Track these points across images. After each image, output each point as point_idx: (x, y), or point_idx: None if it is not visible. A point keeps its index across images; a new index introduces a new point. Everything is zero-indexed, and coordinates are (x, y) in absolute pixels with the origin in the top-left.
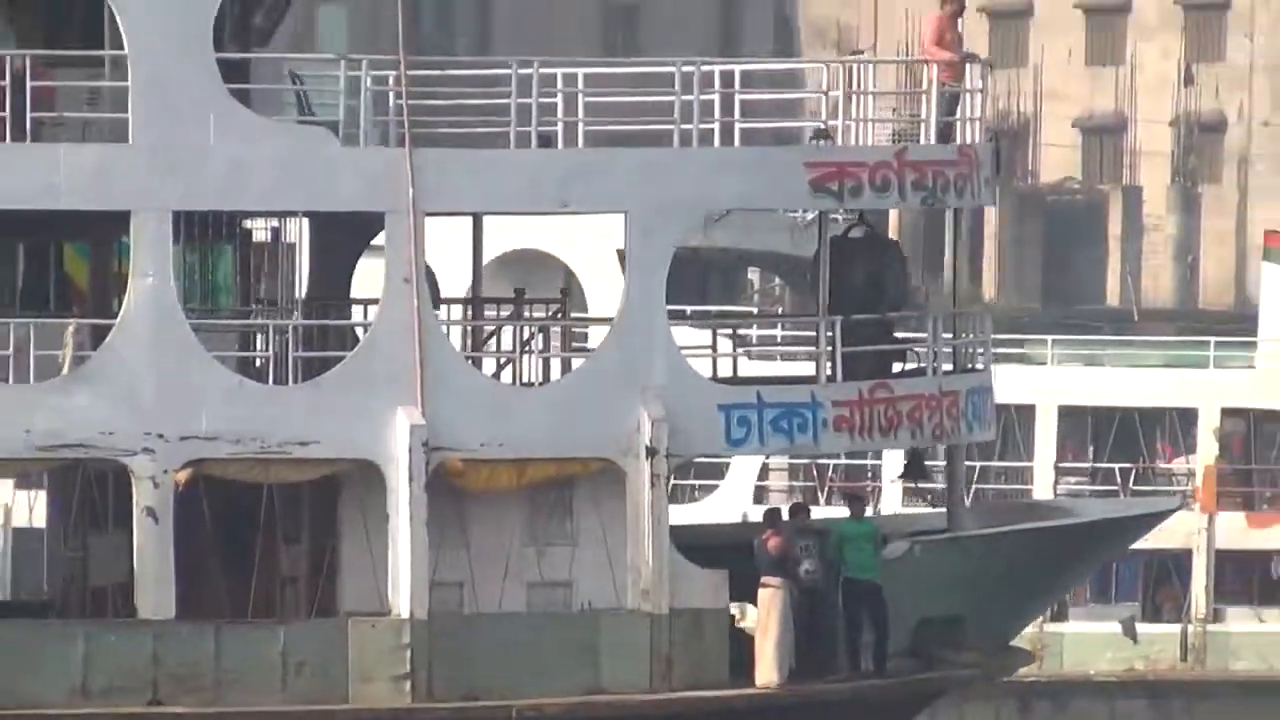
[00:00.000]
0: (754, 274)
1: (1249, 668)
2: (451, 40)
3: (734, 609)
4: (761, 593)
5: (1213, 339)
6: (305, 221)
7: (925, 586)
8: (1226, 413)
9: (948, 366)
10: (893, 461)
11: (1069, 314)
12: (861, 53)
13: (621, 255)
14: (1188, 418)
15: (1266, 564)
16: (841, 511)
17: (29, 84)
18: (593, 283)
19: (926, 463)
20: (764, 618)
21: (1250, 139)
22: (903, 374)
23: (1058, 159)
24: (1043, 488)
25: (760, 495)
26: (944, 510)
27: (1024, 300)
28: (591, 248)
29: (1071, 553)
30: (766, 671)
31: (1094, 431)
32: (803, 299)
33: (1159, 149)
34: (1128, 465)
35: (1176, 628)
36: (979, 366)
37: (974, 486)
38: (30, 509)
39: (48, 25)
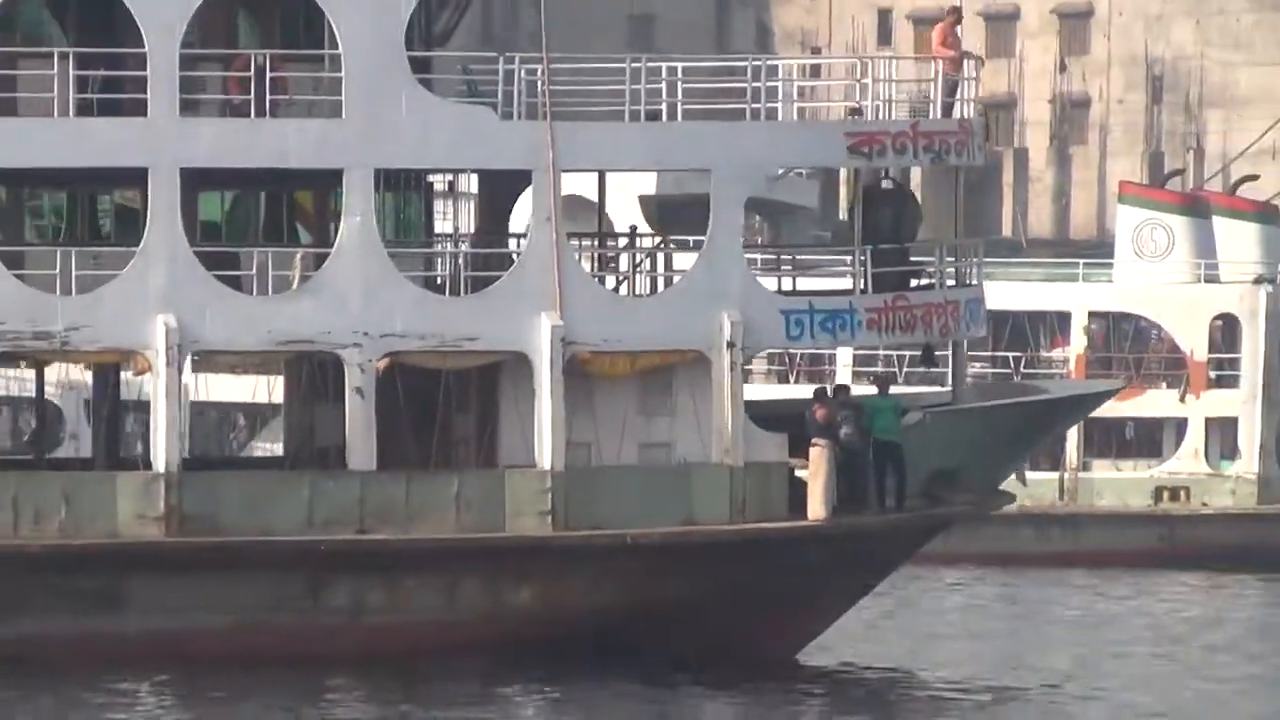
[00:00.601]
0: None
1: (1109, 505)
2: (516, 38)
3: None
4: (812, 450)
5: (1081, 260)
6: (474, 177)
7: (935, 446)
8: (1092, 315)
9: (951, 282)
10: (844, 354)
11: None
12: (820, 50)
13: (642, 200)
14: (1063, 319)
15: (1122, 428)
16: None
17: (268, 74)
18: (620, 220)
19: (936, 354)
20: (814, 469)
21: (1109, 113)
22: (917, 289)
23: None
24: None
25: (746, 376)
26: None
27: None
28: (619, 195)
29: (1044, 421)
30: (816, 508)
31: (993, 329)
32: (776, 231)
33: (1040, 120)
34: (1018, 354)
35: (1055, 474)
36: (973, 282)
37: (906, 370)
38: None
39: (282, 30)
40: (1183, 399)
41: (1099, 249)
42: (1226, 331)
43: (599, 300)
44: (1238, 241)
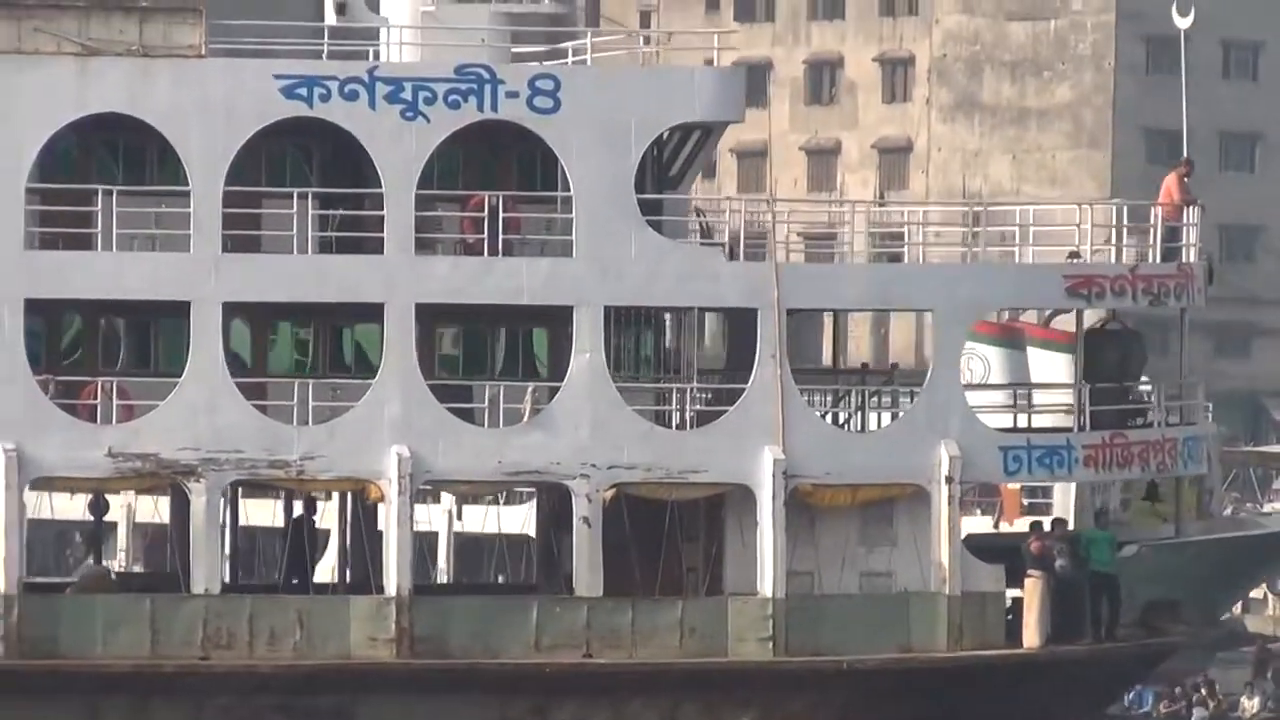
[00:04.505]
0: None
1: None
2: None
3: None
4: (1028, 581)
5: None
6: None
7: (1150, 578)
8: None
9: (1174, 419)
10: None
11: (797, 367)
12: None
13: None
14: None
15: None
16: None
17: (501, 216)
18: None
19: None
20: (1029, 599)
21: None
22: (1137, 426)
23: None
24: None
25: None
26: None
27: None
28: None
29: (1259, 555)
30: (1031, 637)
31: None
32: None
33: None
34: None
35: None
36: (1194, 421)
37: None
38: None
39: (518, 173)
40: (996, 525)
41: (916, 377)
42: None
43: (821, 434)
44: (1052, 371)
